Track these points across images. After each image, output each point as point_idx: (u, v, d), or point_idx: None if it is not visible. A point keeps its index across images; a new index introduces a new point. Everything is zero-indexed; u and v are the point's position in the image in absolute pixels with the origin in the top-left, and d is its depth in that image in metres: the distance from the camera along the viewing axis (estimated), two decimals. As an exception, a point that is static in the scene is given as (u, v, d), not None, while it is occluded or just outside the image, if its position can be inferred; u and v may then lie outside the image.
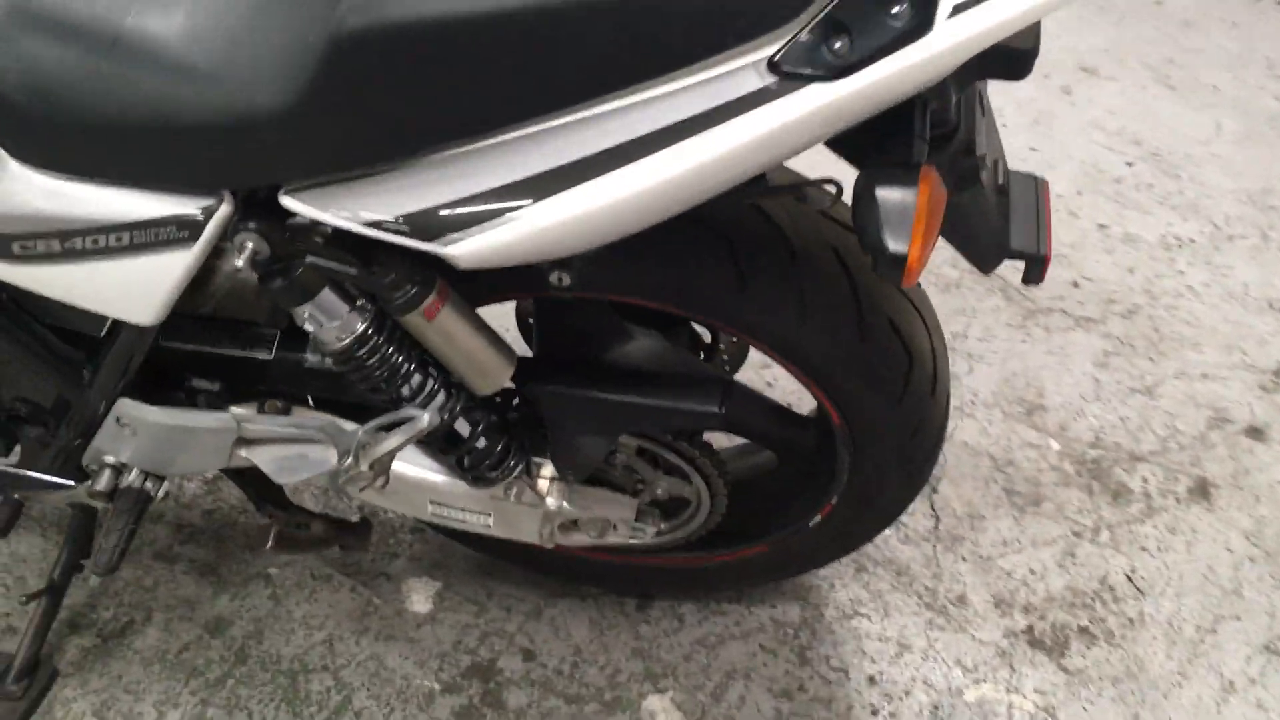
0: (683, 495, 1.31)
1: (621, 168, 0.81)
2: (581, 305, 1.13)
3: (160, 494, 1.25)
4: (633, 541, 1.31)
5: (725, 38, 0.77)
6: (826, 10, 0.74)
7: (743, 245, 1.06)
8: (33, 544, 1.63)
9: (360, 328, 1.01)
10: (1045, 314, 2.07)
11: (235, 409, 1.18)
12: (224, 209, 0.92)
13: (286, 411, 1.20)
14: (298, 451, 1.16)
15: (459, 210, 0.85)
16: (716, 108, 0.79)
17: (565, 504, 1.22)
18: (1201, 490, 1.77)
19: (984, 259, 1.01)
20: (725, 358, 1.39)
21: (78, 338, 1.16)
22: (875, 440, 1.21)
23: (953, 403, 1.86)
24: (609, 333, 1.17)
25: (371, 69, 0.80)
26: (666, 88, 0.79)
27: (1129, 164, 2.46)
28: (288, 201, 0.89)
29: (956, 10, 0.73)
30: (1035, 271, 1.01)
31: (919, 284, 1.22)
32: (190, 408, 1.18)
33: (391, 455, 1.08)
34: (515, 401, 1.18)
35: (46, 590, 1.44)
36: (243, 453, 1.18)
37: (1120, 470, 1.80)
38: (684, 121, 0.80)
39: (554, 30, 0.77)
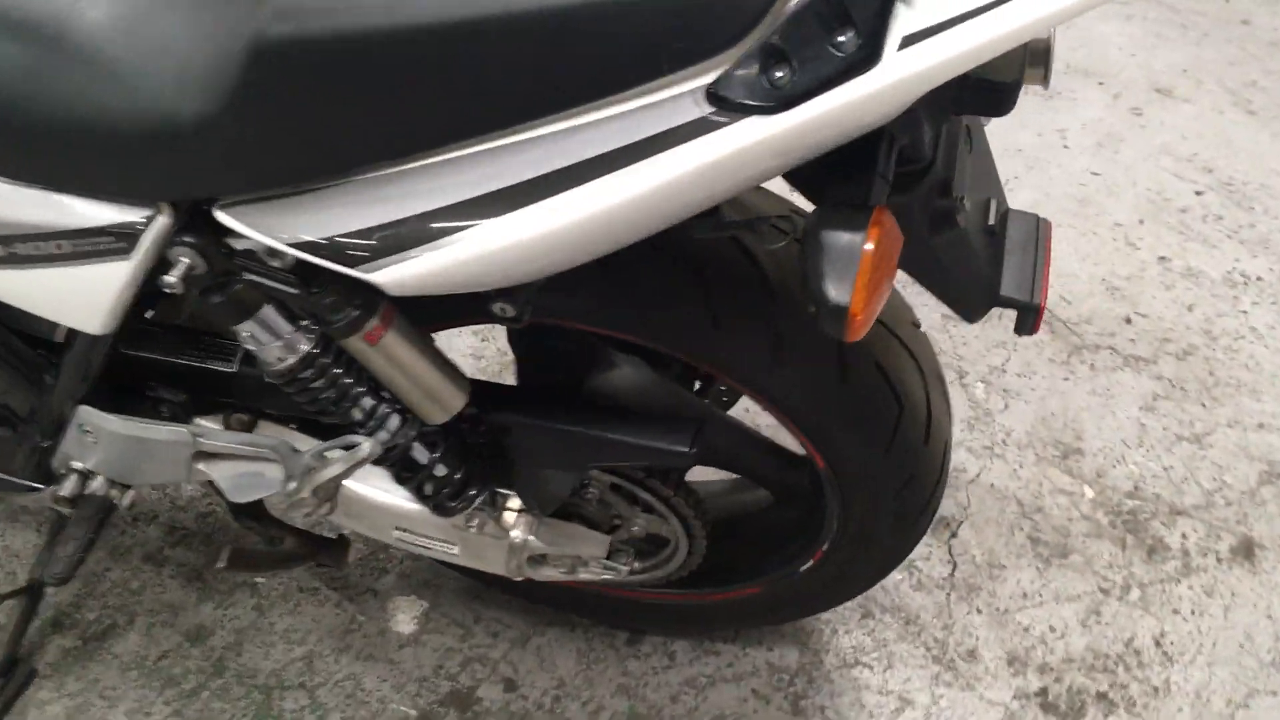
0: (661, 534, 1.24)
1: (553, 197, 0.76)
2: (562, 328, 1.07)
3: (126, 503, 1.22)
4: (607, 577, 1.24)
5: (660, 63, 0.71)
6: (766, 38, 0.68)
7: (716, 279, 0.99)
8: (27, 539, 1.62)
9: (304, 348, 0.96)
10: (1092, 351, 1.95)
11: (199, 422, 1.16)
12: (161, 221, 0.88)
13: (251, 427, 1.17)
14: (254, 470, 1.12)
15: (387, 234, 0.81)
16: (653, 136, 0.73)
17: (532, 538, 1.17)
18: (1246, 551, 1.65)
19: (968, 307, 0.93)
20: (722, 388, 1.32)
21: (42, 341, 1.15)
22: (863, 489, 1.13)
23: (983, 441, 1.76)
24: (590, 358, 1.12)
25: (294, 82, 0.76)
26: (601, 114, 0.74)
27: (1198, 193, 2.32)
28: (221, 216, 0.86)
29: (908, 42, 0.66)
30: (1028, 322, 0.92)
31: (919, 325, 1.14)
32: (150, 418, 1.15)
33: (335, 482, 1.03)
34: (481, 428, 1.13)
35: (25, 590, 1.43)
36: (201, 467, 1.14)
37: (1158, 524, 1.68)
38: (619, 150, 0.74)
39: (480, 50, 0.72)
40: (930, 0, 0.66)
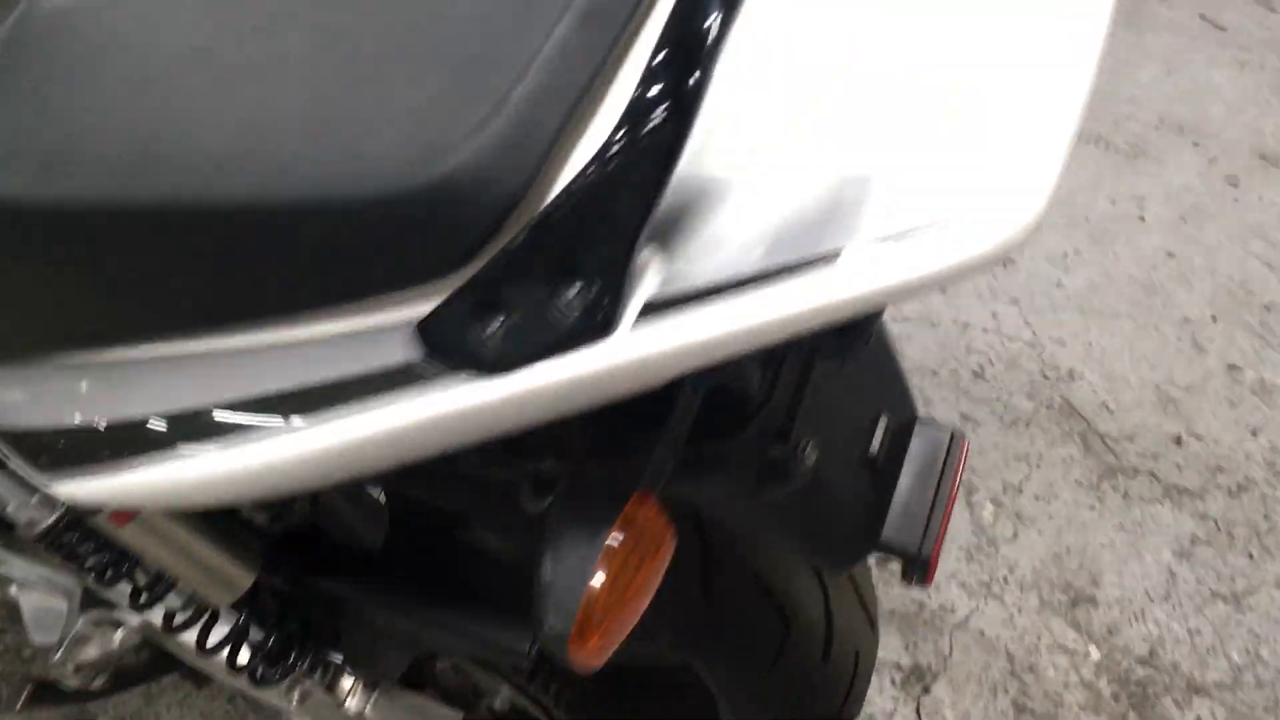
0: (528, 711, 1.07)
1: (238, 434, 0.59)
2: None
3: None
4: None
5: (361, 283, 0.54)
6: (483, 275, 0.50)
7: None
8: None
9: (61, 510, 0.82)
10: (1129, 475, 1.70)
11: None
12: None
13: (74, 547, 1.04)
14: (57, 607, 0.99)
15: (64, 440, 0.66)
16: (351, 381, 0.55)
17: (368, 709, 1.01)
18: (1271, 750, 1.40)
19: (832, 559, 0.73)
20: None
21: None
22: (748, 706, 0.95)
23: (981, 576, 1.55)
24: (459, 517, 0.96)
25: None
26: (299, 332, 0.57)
27: (1289, 287, 2.03)
28: None
29: (653, 309, 0.47)
30: (916, 572, 0.73)
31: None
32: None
33: (104, 663, 0.89)
34: (300, 593, 0.97)
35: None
36: (11, 590, 1.02)
37: (1170, 702, 1.44)
38: (314, 390, 0.57)
39: (145, 241, 0.56)
40: (694, 255, 0.47)
